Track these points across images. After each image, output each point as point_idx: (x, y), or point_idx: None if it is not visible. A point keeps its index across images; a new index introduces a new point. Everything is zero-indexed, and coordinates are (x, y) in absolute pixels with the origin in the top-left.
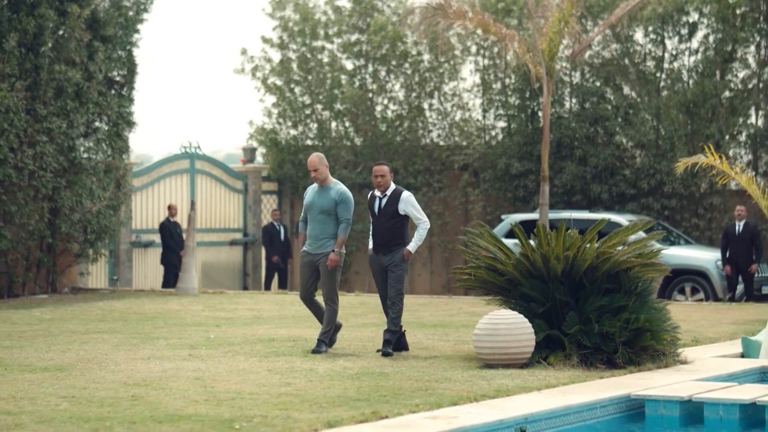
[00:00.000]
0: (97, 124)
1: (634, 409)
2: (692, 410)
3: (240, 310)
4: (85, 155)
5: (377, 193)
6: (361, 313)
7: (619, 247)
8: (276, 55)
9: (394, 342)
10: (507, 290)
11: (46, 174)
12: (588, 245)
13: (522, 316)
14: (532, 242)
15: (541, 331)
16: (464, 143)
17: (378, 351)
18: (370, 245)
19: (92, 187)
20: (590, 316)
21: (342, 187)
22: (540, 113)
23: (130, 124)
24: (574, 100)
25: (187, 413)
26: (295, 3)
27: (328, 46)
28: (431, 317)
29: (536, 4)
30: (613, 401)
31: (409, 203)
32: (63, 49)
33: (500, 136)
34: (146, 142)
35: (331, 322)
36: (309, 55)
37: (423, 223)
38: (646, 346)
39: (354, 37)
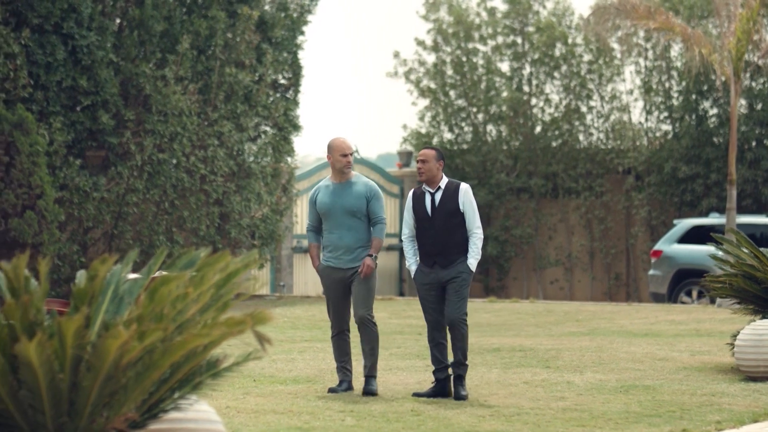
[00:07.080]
0: (264, 127)
1: None
2: None
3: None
4: (251, 158)
5: (427, 187)
6: (555, 321)
7: None
8: (429, 58)
9: (463, 378)
10: (764, 299)
11: (217, 178)
12: None
13: None
14: None
15: None
16: (624, 146)
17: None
18: (411, 263)
19: (260, 191)
20: None
21: (368, 180)
22: (707, 115)
23: (297, 128)
24: (742, 102)
25: (485, 429)
26: (449, 5)
27: (482, 48)
28: (633, 326)
29: (723, 4)
30: None
31: (470, 199)
32: (233, 51)
33: (663, 139)
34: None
35: (377, 349)
36: (464, 58)
37: (479, 230)
38: None
39: (509, 39)
